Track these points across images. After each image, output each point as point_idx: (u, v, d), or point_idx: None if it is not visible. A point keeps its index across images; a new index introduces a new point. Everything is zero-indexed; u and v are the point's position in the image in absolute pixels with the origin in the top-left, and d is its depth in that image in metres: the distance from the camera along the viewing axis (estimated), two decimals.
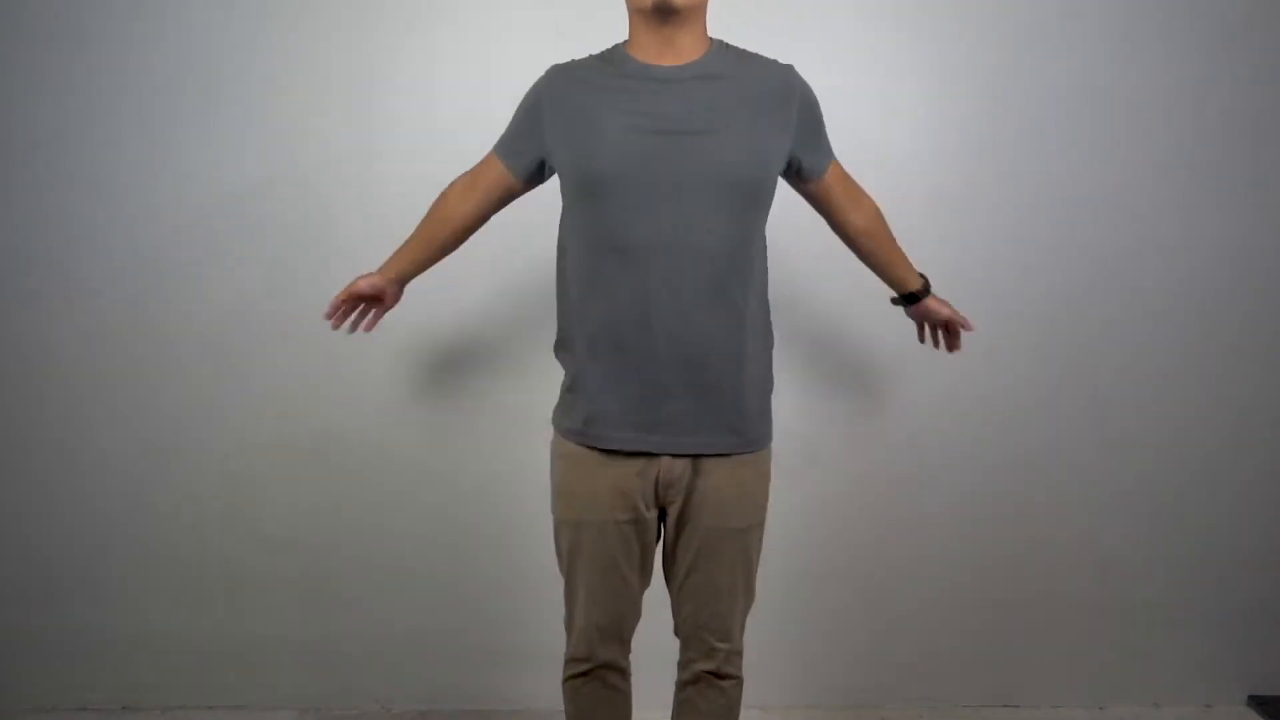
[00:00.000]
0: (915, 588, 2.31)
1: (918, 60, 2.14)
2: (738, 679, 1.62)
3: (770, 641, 2.05)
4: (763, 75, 1.49)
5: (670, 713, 1.67)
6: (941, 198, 2.17)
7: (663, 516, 1.56)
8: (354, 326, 1.67)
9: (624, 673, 1.62)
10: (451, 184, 1.64)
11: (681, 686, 1.63)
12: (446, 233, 1.64)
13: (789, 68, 1.52)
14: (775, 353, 1.60)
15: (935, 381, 2.23)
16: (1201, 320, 2.25)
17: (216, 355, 2.15)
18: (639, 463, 1.49)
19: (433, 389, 2.18)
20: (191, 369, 2.15)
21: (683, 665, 1.63)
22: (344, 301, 1.62)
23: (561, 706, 1.65)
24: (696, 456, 1.49)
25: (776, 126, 1.48)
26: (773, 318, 1.59)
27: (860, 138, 2.08)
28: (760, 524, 1.58)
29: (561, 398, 1.57)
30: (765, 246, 1.53)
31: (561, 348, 1.57)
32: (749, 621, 1.62)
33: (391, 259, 1.65)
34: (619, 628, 1.57)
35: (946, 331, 1.78)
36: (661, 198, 1.41)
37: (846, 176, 1.64)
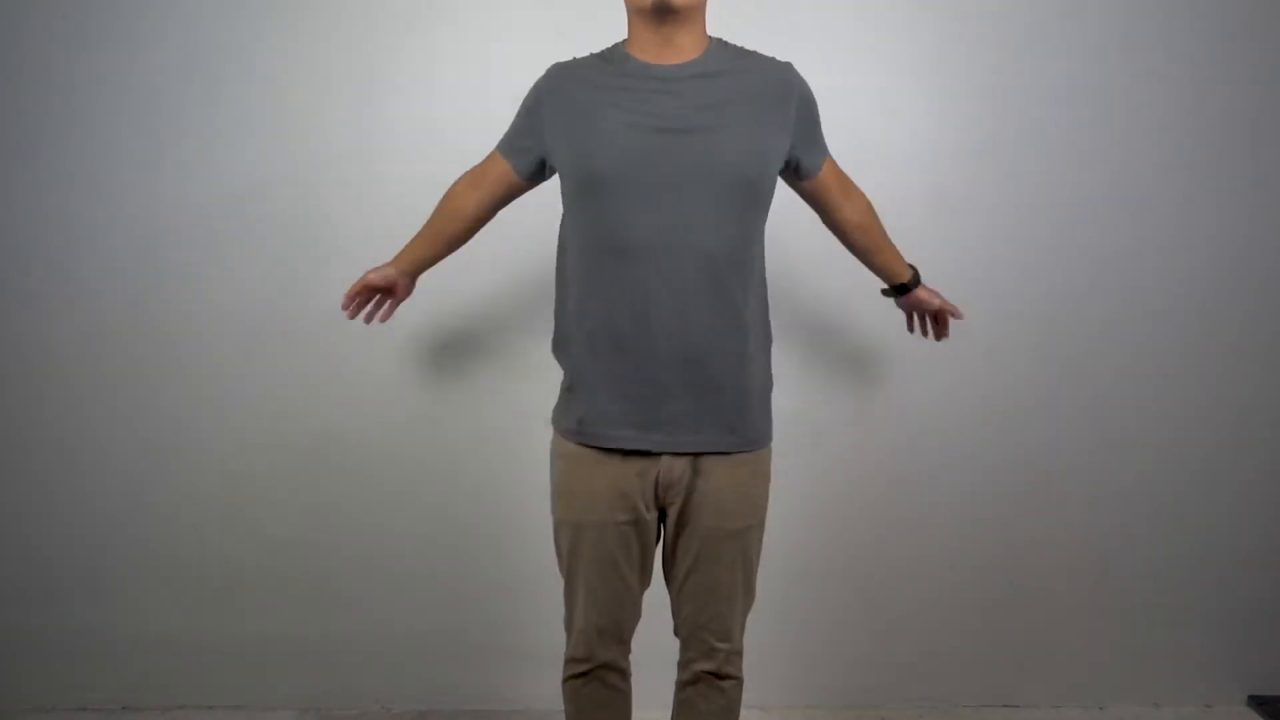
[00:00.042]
0: (915, 588, 2.31)
1: (918, 60, 2.14)
2: (738, 679, 1.62)
3: (770, 641, 2.05)
4: (762, 73, 1.49)
5: (670, 713, 1.67)
6: (941, 198, 2.17)
7: (662, 517, 1.56)
8: (369, 318, 1.72)
9: (624, 673, 1.62)
10: (458, 179, 1.67)
11: (681, 687, 1.63)
12: (453, 227, 1.67)
13: (787, 65, 1.52)
14: (775, 352, 1.60)
15: (935, 381, 2.23)
16: (1201, 320, 2.25)
17: (216, 355, 2.15)
18: (639, 463, 1.49)
19: (433, 389, 2.18)
20: (191, 369, 2.15)
21: (683, 665, 1.63)
22: (358, 293, 1.68)
23: (561, 706, 1.65)
24: (696, 456, 1.49)
25: (776, 124, 1.48)
26: (773, 316, 1.59)
27: (860, 138, 2.09)
28: (760, 524, 1.57)
29: (561, 397, 1.57)
30: (763, 245, 1.53)
31: (560, 347, 1.57)
32: (749, 622, 1.62)
33: (403, 252, 1.70)
34: (619, 628, 1.57)
35: (935, 321, 1.80)
36: (661, 196, 1.41)
37: (840, 172, 1.65)
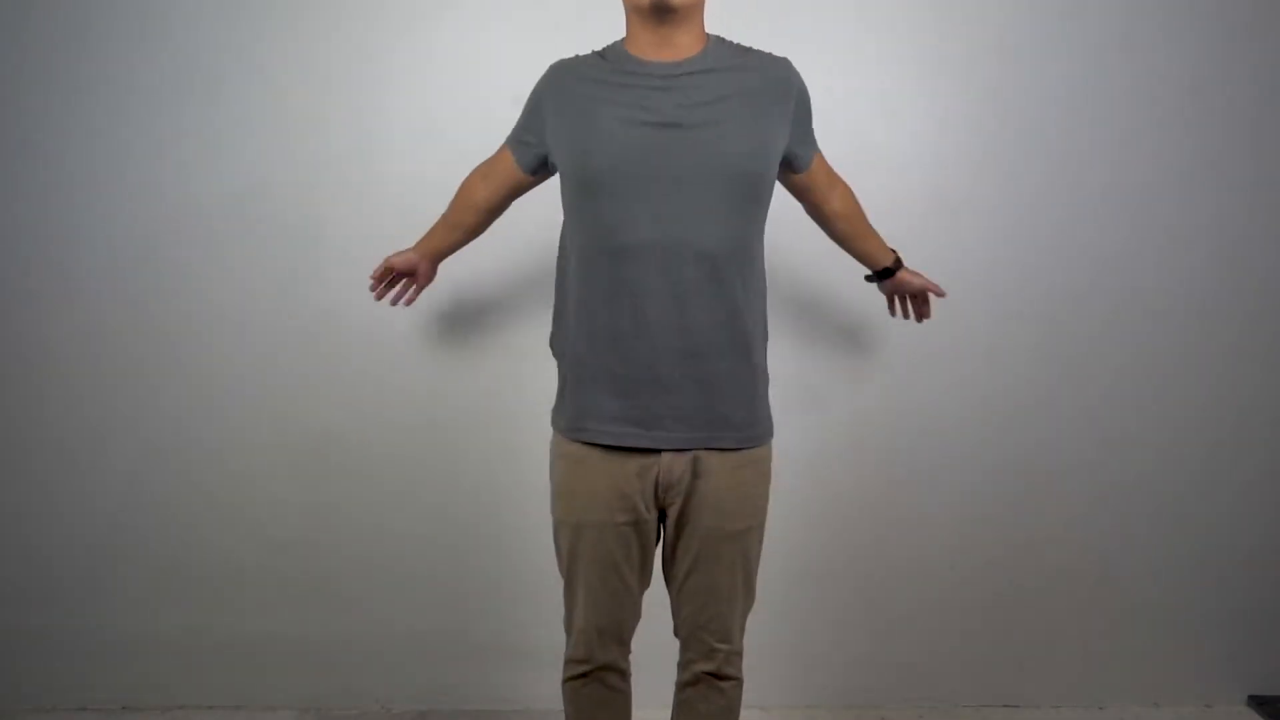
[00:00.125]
0: (915, 588, 2.31)
1: (918, 60, 2.14)
2: (738, 680, 1.61)
3: (770, 642, 2.05)
4: (761, 69, 1.49)
5: (670, 713, 1.66)
6: (942, 198, 2.17)
7: (662, 518, 1.56)
8: (395, 300, 1.79)
9: (624, 674, 1.62)
10: (473, 170, 1.71)
11: (681, 688, 1.63)
12: (467, 218, 1.72)
13: (785, 61, 1.53)
14: (775, 352, 1.60)
15: (935, 381, 2.23)
16: (1201, 320, 2.25)
17: (216, 355, 2.15)
18: (639, 462, 1.48)
19: (433, 389, 2.18)
20: (191, 369, 2.15)
21: (682, 666, 1.63)
22: (381, 275, 1.75)
23: (561, 706, 1.65)
24: (697, 456, 1.49)
25: (776, 119, 1.49)
26: (773, 315, 1.60)
27: (860, 138, 2.09)
28: (760, 525, 1.57)
29: (560, 396, 1.57)
30: (764, 242, 1.53)
31: (560, 346, 1.57)
32: (749, 622, 1.62)
33: (423, 238, 1.75)
34: (619, 629, 1.57)
35: (915, 300, 1.83)
36: (661, 192, 1.41)
37: (826, 163, 1.67)
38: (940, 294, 1.80)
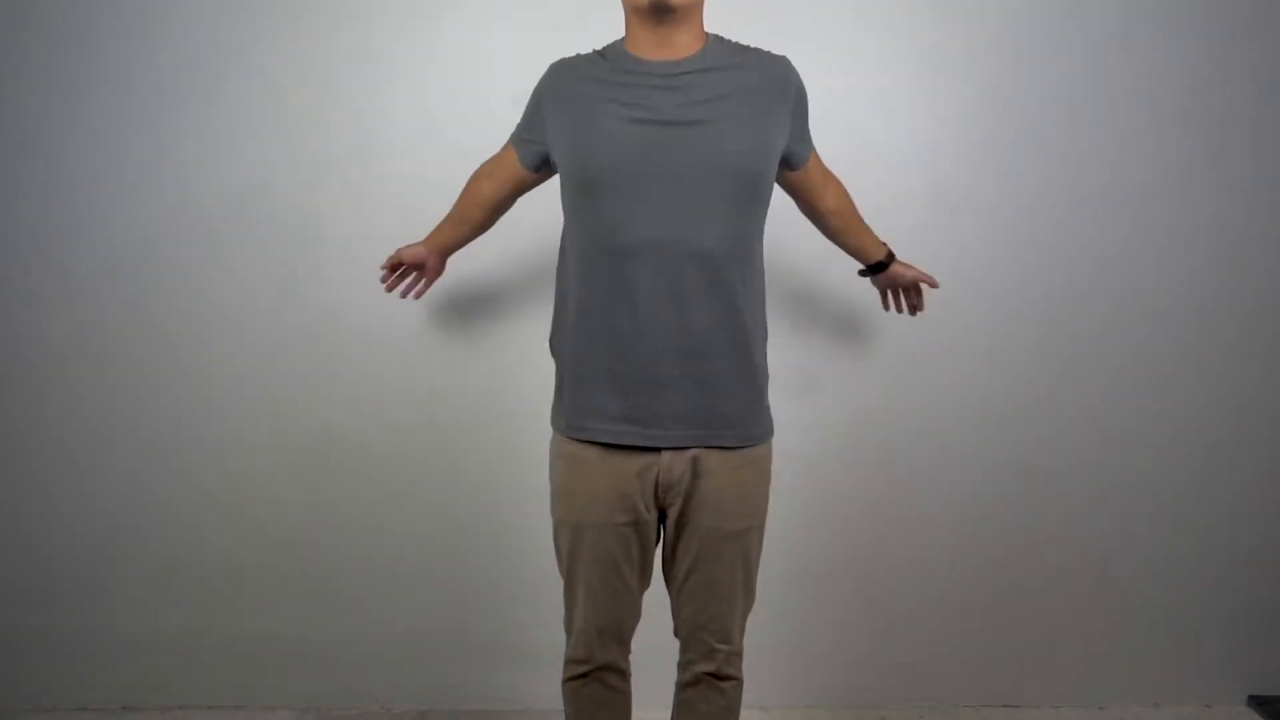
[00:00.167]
0: (915, 588, 2.31)
1: (917, 59, 2.14)
2: (738, 680, 1.61)
3: (770, 642, 2.05)
4: (760, 68, 1.50)
5: (670, 713, 1.66)
6: (941, 198, 2.16)
7: (662, 518, 1.56)
8: (405, 293, 1.80)
9: (624, 674, 1.62)
10: (480, 166, 1.72)
11: (681, 688, 1.63)
12: (474, 213, 1.73)
13: (784, 60, 1.53)
14: (773, 349, 1.60)
15: (935, 381, 2.23)
16: (1201, 320, 2.25)
17: (216, 355, 2.15)
18: (639, 462, 1.48)
19: (433, 389, 2.18)
20: (191, 369, 2.15)
21: (682, 666, 1.63)
22: (392, 266, 1.77)
23: (561, 706, 1.65)
24: (697, 455, 1.49)
25: (775, 118, 1.49)
26: (773, 314, 1.60)
27: (860, 137, 2.09)
28: (760, 525, 1.57)
29: (560, 395, 1.57)
30: (763, 241, 1.53)
31: (560, 346, 1.57)
32: (749, 622, 1.62)
33: (432, 232, 1.77)
34: (619, 629, 1.57)
35: (909, 293, 1.85)
36: (661, 191, 1.41)
37: (820, 161, 1.67)
38: (934, 284, 1.82)
